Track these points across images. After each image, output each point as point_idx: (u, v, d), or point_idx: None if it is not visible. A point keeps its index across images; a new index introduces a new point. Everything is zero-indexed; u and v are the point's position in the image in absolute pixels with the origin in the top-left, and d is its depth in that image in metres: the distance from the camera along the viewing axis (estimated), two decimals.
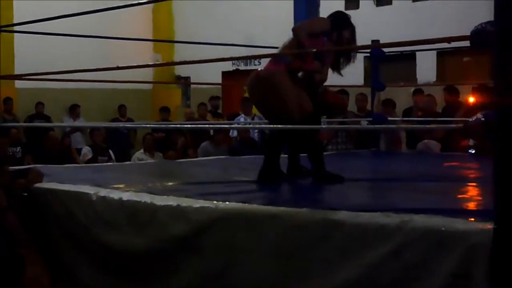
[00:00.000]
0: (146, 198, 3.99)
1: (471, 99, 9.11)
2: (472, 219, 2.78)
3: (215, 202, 3.68)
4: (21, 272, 4.26)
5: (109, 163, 9.39)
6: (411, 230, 2.80)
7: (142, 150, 10.98)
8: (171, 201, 3.85)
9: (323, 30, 4.97)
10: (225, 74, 15.33)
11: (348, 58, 5.26)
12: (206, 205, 3.66)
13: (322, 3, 9.39)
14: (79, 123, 13.40)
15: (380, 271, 2.85)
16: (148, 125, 10.85)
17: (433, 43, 7.58)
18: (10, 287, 4.21)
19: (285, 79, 4.77)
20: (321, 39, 4.95)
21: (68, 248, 4.39)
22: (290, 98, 4.74)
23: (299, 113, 4.74)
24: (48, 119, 13.41)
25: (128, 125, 13.24)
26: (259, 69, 5.13)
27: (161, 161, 9.48)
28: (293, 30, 5.00)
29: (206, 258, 3.54)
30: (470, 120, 3.07)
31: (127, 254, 3.94)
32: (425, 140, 9.05)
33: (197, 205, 3.69)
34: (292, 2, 9.35)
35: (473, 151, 7.85)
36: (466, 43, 3.31)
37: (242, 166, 6.52)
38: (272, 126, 5.08)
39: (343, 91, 9.67)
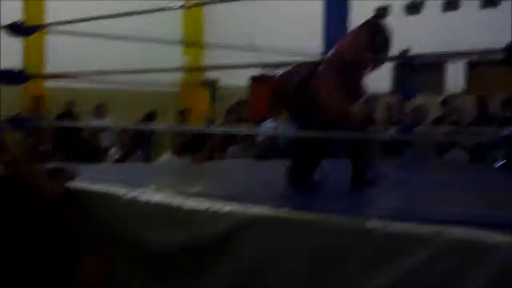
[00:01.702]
0: (178, 200, 4.01)
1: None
2: (506, 231, 2.77)
3: (246, 205, 3.69)
4: (76, 268, 4.31)
5: (137, 164, 9.44)
6: (443, 241, 2.80)
7: (169, 152, 11.02)
8: (201, 203, 3.87)
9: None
10: (253, 79, 15.38)
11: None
12: (237, 208, 3.68)
13: (351, 11, 9.40)
14: (108, 122, 13.49)
15: (413, 282, 2.85)
16: (177, 128, 10.88)
17: (464, 55, 7.58)
18: (68, 279, 4.26)
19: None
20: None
21: (102, 247, 4.42)
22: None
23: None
24: (77, 118, 13.51)
25: (159, 127, 13.30)
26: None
27: (190, 163, 9.52)
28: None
29: (236, 263, 3.55)
30: (505, 132, 3.07)
31: (157, 257, 3.97)
32: (454, 151, 9.03)
33: (228, 208, 3.71)
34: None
35: (501, 163, 7.81)
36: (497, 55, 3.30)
37: (270, 170, 6.53)
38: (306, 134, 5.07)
39: (369, 99, 9.66)
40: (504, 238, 2.69)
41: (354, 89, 4.98)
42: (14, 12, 10.72)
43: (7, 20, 5.41)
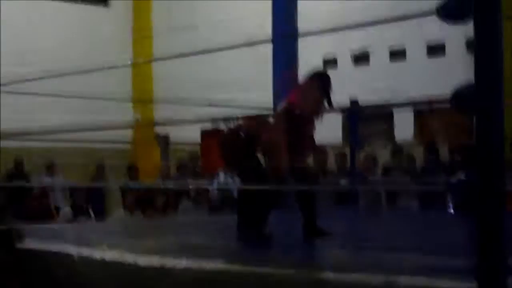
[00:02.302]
0: (129, 258, 3.97)
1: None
2: (455, 278, 2.80)
3: (199, 262, 3.67)
4: None
5: (89, 223, 9.35)
6: None
7: (121, 209, 10.94)
8: (154, 261, 3.83)
9: None
10: (204, 134, 15.42)
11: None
12: (191, 265, 3.66)
13: (301, 63, 9.51)
14: (58, 181, 13.33)
15: None
16: (131, 185, 10.81)
17: (413, 104, 7.71)
18: None
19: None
20: None
21: None
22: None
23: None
24: (27, 177, 13.34)
25: (111, 184, 13.19)
26: None
27: (142, 220, 9.45)
28: None
29: None
30: (452, 180, 3.13)
31: None
32: (406, 198, 9.12)
33: (182, 266, 3.69)
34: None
35: (452, 209, 7.91)
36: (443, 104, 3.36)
37: (224, 225, 6.52)
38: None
39: (321, 150, 9.76)
40: (452, 284, 2.72)
41: (307, 140, 5.03)
42: None
43: None
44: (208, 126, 15.30)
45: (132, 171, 13.08)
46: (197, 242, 4.99)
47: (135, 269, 3.83)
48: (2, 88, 5.73)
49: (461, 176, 2.96)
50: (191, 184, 9.86)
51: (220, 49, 4.92)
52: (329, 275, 3.09)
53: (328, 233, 4.90)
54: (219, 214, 8.36)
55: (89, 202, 11.63)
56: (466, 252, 3.66)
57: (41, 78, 5.65)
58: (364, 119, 8.75)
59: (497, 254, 2.52)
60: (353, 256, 4.48)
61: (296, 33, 9.30)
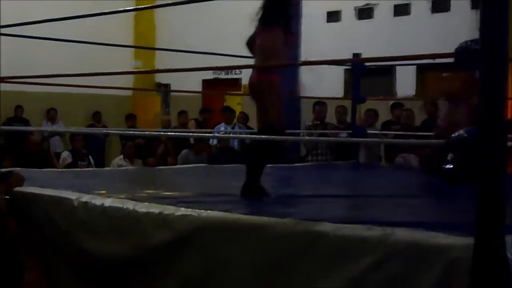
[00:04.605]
0: (128, 205, 3.99)
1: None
2: (453, 234, 2.82)
3: (197, 210, 3.69)
4: (20, 278, 4.25)
5: (89, 169, 9.37)
6: (393, 243, 2.83)
7: (121, 156, 10.97)
8: (153, 208, 3.85)
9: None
10: (205, 83, 15.38)
11: None
12: (188, 213, 3.68)
13: (303, 17, 9.46)
14: (58, 127, 13.36)
15: (362, 284, 2.88)
16: (130, 132, 10.81)
17: (416, 59, 7.67)
18: None
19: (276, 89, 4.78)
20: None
21: (49, 254, 4.38)
22: (277, 108, 4.76)
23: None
24: (27, 122, 13.36)
25: (112, 131, 13.18)
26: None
27: (142, 167, 9.47)
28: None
29: (188, 267, 3.54)
30: (453, 136, 3.12)
31: (109, 262, 3.94)
32: (404, 154, 9.13)
33: (179, 213, 3.70)
34: None
35: (451, 166, 7.90)
36: (447, 59, 3.35)
37: (222, 175, 6.55)
38: (250, 136, 5.08)
39: (320, 102, 9.75)
40: (449, 240, 2.74)
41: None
42: None
43: None
44: (210, 75, 15.30)
45: (130, 119, 13.10)
46: (195, 192, 5.01)
47: (134, 216, 3.85)
48: (3, 30, 5.68)
49: (463, 133, 2.96)
50: (191, 134, 9.84)
51: None
52: (325, 226, 3.11)
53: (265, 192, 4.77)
54: (218, 164, 8.37)
55: (88, 148, 11.65)
56: (465, 208, 3.69)
57: (40, 21, 5.60)
58: (366, 73, 8.70)
59: (497, 211, 2.53)
60: (349, 209, 4.52)
61: None
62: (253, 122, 11.67)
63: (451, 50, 3.17)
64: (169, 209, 3.78)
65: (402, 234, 2.88)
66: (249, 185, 4.70)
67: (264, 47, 4.82)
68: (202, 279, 3.49)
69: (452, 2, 12.06)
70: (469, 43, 3.24)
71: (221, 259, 3.40)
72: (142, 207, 3.89)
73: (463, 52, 3.05)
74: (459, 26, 10.53)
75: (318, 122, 9.78)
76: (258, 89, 4.78)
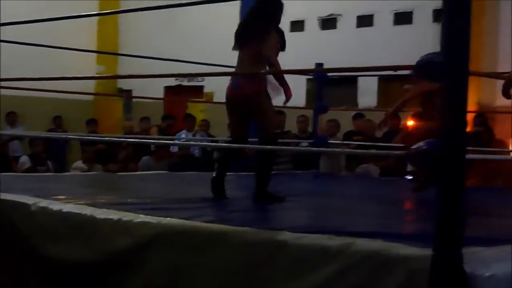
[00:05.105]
0: (87, 210, 3.96)
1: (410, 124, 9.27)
2: (413, 244, 2.83)
3: (157, 217, 3.68)
4: None
5: (48, 174, 9.26)
6: (353, 253, 2.84)
7: (81, 161, 10.86)
8: (112, 214, 3.82)
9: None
10: (168, 89, 15.31)
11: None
12: (148, 220, 3.65)
13: None
14: (17, 131, 13.18)
15: None
16: (90, 138, 10.71)
17: (377, 70, 7.72)
18: None
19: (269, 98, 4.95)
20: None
21: (13, 258, 4.32)
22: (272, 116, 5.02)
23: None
24: None
25: (72, 136, 13.02)
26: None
27: (102, 173, 9.39)
28: (263, 55, 5.00)
29: (149, 274, 3.52)
30: (413, 147, 3.14)
31: (71, 266, 3.90)
32: (364, 164, 9.20)
33: (139, 220, 3.68)
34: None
35: (411, 177, 7.97)
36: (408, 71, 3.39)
37: (183, 182, 6.53)
38: (208, 144, 5.10)
39: (279, 111, 9.77)
40: (409, 250, 2.75)
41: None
42: None
43: None
44: (172, 81, 15.23)
45: (91, 124, 12.98)
46: (156, 197, 4.98)
47: (93, 222, 3.81)
48: None
49: (423, 145, 2.99)
50: (153, 140, 9.79)
51: (190, 4, 4.87)
52: (285, 236, 3.11)
53: (281, 197, 4.91)
54: (179, 171, 8.34)
55: (49, 153, 11.52)
56: (423, 219, 3.72)
57: (3, 24, 5.54)
58: (328, 83, 8.74)
59: (455, 223, 2.55)
60: (310, 219, 4.53)
61: None
62: (214, 130, 11.68)
63: (413, 62, 3.21)
64: (128, 216, 3.75)
65: (362, 244, 2.89)
66: (263, 193, 4.86)
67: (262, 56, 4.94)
68: (165, 286, 3.46)
69: (414, 15, 12.16)
70: (430, 56, 3.28)
71: (183, 267, 3.39)
72: (101, 213, 3.86)
73: (424, 64, 3.08)
74: (422, 39, 10.66)
75: (278, 131, 9.79)
76: (256, 98, 4.89)
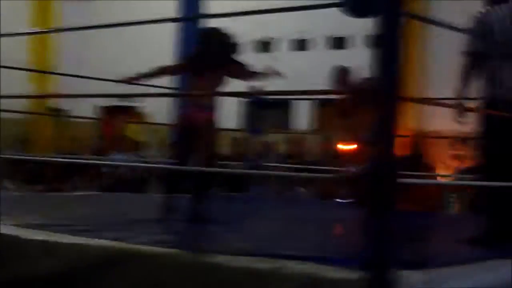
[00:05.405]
0: (11, 231, 3.87)
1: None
2: (343, 267, 2.83)
3: (84, 238, 3.61)
4: None
5: None
6: (284, 276, 2.83)
7: (10, 180, 10.64)
8: (38, 236, 3.75)
9: None
10: (102, 109, 15.17)
11: None
12: (75, 241, 3.59)
13: None
14: None
15: None
16: (21, 157, 10.51)
17: (308, 94, 7.80)
18: None
19: None
20: None
21: None
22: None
23: None
24: None
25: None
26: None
27: (32, 193, 9.21)
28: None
29: None
30: (346, 170, 3.16)
31: None
32: (296, 187, 9.25)
33: (65, 241, 3.61)
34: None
35: (342, 200, 8.03)
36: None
37: (114, 203, 6.44)
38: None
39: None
40: (341, 274, 2.75)
41: None
42: None
43: None
44: (109, 102, 15.08)
45: (22, 143, 12.76)
46: (86, 218, 4.89)
47: (17, 243, 3.72)
48: None
49: (354, 168, 3.01)
50: (84, 160, 9.65)
51: (126, 24, 4.80)
52: (216, 258, 3.08)
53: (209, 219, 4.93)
54: (110, 191, 8.25)
55: None
56: (356, 243, 3.73)
57: None
58: (263, 106, 8.79)
59: (387, 247, 2.56)
60: (240, 241, 4.50)
61: (199, 15, 9.27)
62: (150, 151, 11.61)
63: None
64: (54, 237, 3.68)
65: (293, 267, 2.88)
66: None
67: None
68: None
69: (348, 40, 12.33)
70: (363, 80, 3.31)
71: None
72: (26, 234, 3.77)
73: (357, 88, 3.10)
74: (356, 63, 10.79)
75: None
76: (209, 125, 5.14)
